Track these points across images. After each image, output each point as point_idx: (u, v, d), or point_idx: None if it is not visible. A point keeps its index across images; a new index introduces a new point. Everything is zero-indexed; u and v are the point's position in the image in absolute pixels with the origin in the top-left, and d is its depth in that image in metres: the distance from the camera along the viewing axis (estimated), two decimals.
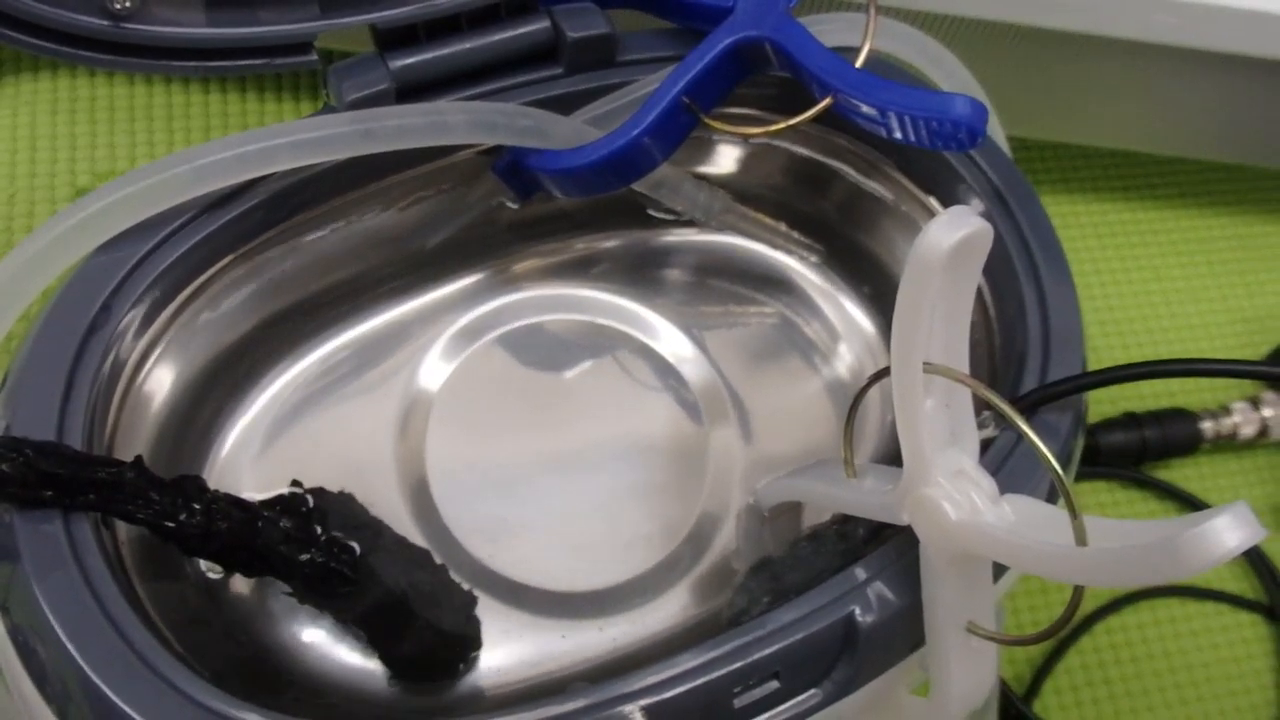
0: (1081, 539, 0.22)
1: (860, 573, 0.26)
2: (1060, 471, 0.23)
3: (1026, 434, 0.23)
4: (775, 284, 0.37)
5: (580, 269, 0.36)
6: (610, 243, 0.37)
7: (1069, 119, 0.44)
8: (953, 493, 0.24)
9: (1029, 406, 0.28)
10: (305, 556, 0.27)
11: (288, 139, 0.26)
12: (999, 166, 0.30)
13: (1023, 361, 0.28)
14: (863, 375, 0.35)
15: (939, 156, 0.30)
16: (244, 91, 0.44)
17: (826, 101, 0.29)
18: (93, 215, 0.25)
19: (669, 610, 0.32)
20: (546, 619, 0.32)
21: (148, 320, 0.27)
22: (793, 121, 0.29)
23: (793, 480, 0.30)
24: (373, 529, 0.30)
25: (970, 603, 0.25)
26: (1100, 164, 0.47)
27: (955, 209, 0.23)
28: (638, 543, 0.33)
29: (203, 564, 0.28)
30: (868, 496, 0.27)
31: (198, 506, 0.25)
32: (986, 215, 0.30)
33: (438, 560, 0.31)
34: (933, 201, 0.32)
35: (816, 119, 0.29)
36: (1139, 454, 0.41)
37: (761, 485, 0.31)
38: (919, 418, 0.24)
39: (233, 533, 0.26)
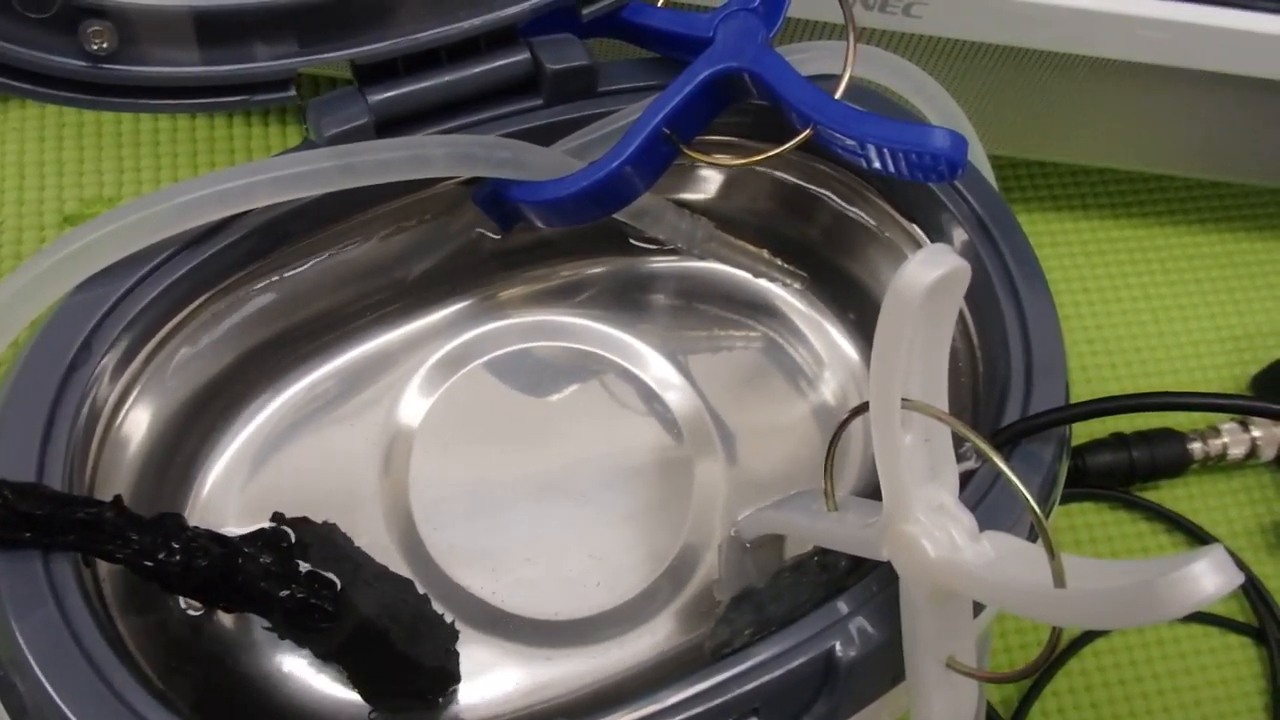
0: (1060, 580, 0.21)
1: (841, 607, 0.26)
2: (1038, 511, 0.23)
3: (1006, 475, 0.23)
4: (759, 310, 0.37)
5: (565, 296, 0.36)
6: (595, 269, 0.37)
7: (1055, 138, 0.44)
8: (932, 529, 0.24)
9: (1010, 439, 0.28)
10: (285, 592, 0.27)
11: (268, 175, 0.26)
12: (982, 195, 0.30)
13: (1005, 391, 0.28)
14: (847, 401, 0.35)
15: (922, 184, 0.31)
16: (231, 117, 0.44)
17: (806, 133, 0.29)
18: (73, 254, 0.25)
19: (652, 640, 0.32)
20: (529, 648, 0.32)
21: (128, 357, 0.27)
22: (771, 154, 0.29)
23: (774, 513, 0.30)
24: (354, 561, 0.30)
25: (950, 638, 0.25)
26: (1088, 182, 0.47)
27: (933, 247, 0.23)
28: (621, 571, 0.33)
29: (183, 601, 0.28)
30: (848, 531, 0.27)
31: (177, 545, 0.25)
32: (969, 245, 0.30)
33: (420, 590, 0.31)
34: (915, 229, 0.32)
35: (798, 147, 0.29)
36: (1127, 475, 0.41)
37: (743, 517, 0.31)
38: (898, 453, 0.24)
39: (213, 570, 0.26)
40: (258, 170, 0.26)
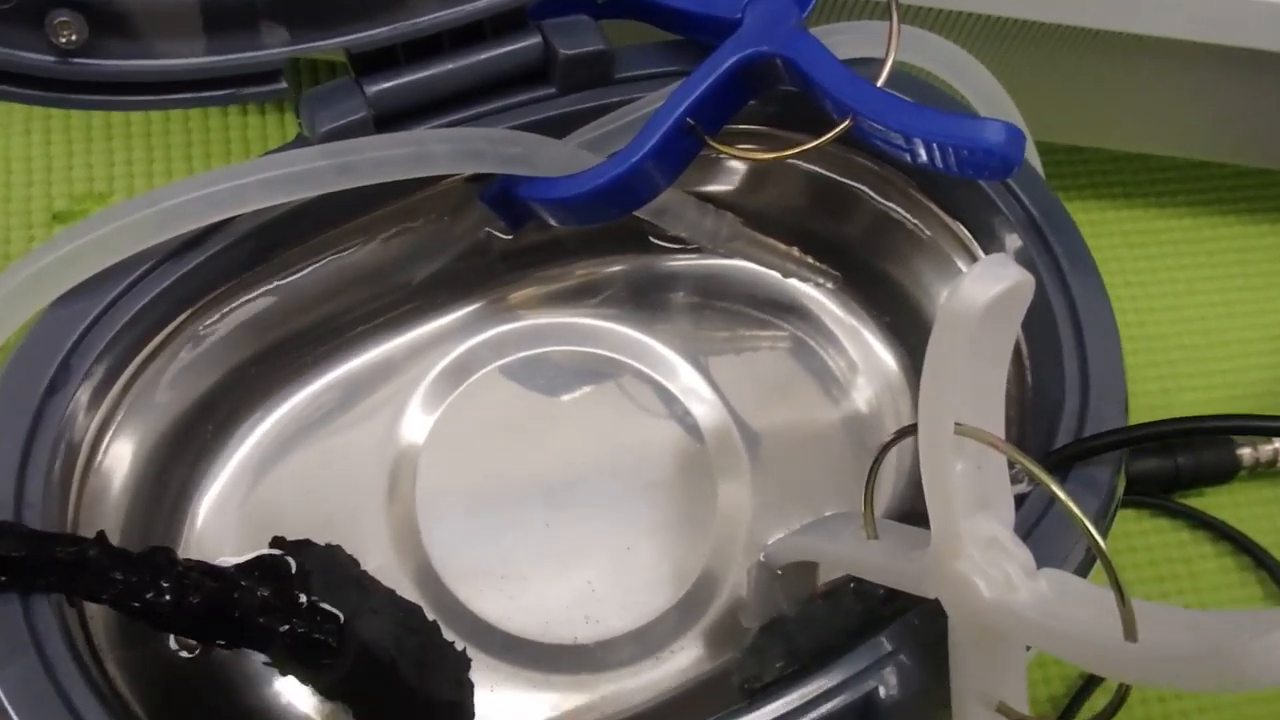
0: (1131, 631, 0.19)
1: (883, 644, 0.24)
2: (1102, 545, 0.21)
3: (1070, 509, 0.20)
4: (788, 311, 0.34)
5: (580, 297, 0.34)
6: (611, 269, 0.34)
7: (1095, 121, 0.41)
8: (985, 566, 0.22)
9: (1063, 461, 0.26)
10: (285, 627, 0.25)
11: (257, 178, 0.24)
12: (1035, 194, 0.28)
13: (1058, 410, 0.26)
14: (882, 412, 0.33)
15: (971, 181, 0.28)
16: (226, 106, 0.42)
17: (845, 124, 0.26)
18: (44, 270, 0.23)
19: (677, 666, 0.30)
20: (545, 674, 0.30)
21: (110, 378, 0.25)
22: (806, 148, 0.27)
23: (806, 539, 0.28)
24: (360, 587, 0.28)
25: (1001, 681, 0.23)
26: (1130, 169, 0.45)
27: (992, 259, 0.20)
28: (642, 592, 0.31)
29: (173, 641, 0.26)
30: (890, 564, 0.24)
31: (166, 582, 0.23)
32: (1022, 251, 0.27)
33: (429, 616, 0.29)
34: (961, 229, 0.30)
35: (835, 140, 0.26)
36: (1171, 481, 0.39)
37: (773, 543, 0.29)
38: (949, 483, 0.22)
39: (206, 606, 0.24)
40: (246, 172, 0.24)
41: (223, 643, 0.25)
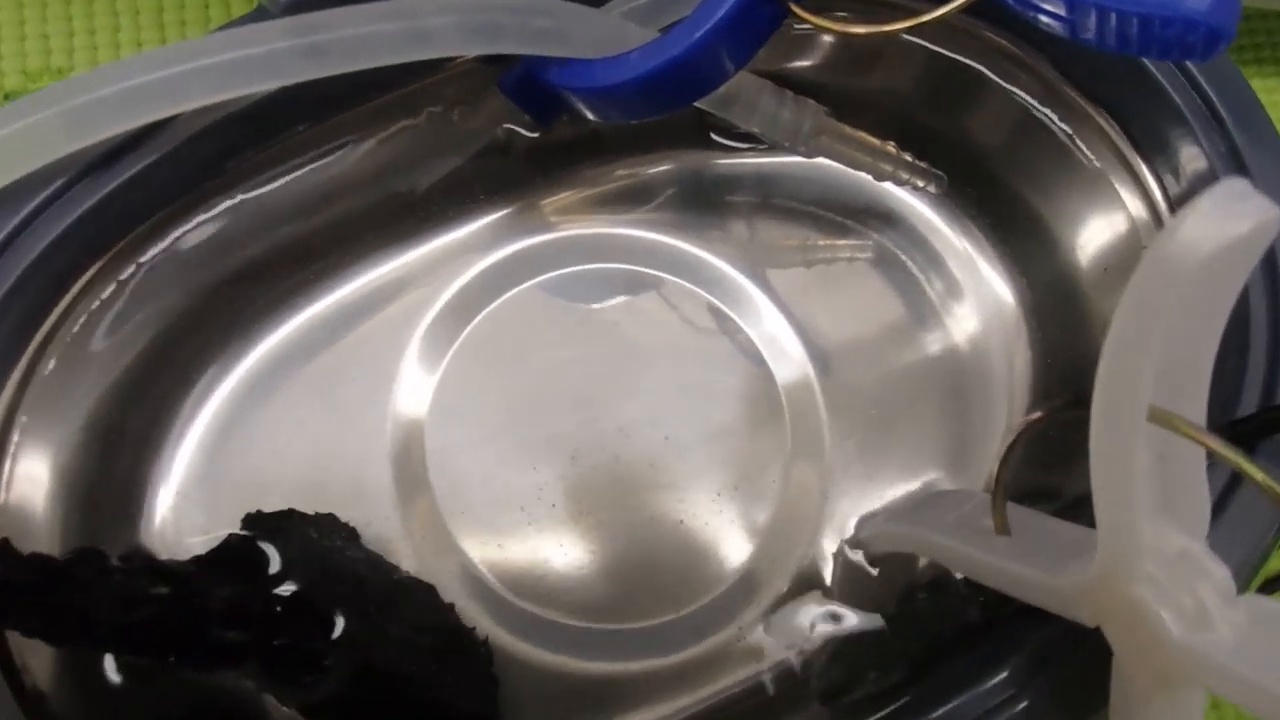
0: None
1: (1003, 683, 0.19)
2: None
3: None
4: (879, 221, 0.28)
5: (622, 204, 0.28)
6: (660, 167, 0.28)
7: None
8: (1173, 591, 0.17)
9: (1246, 434, 0.20)
10: (258, 636, 0.20)
11: (195, 64, 0.18)
12: (1226, 87, 0.21)
13: (1239, 372, 0.20)
14: (988, 350, 0.27)
15: (1135, 68, 0.21)
16: None
17: None
18: None
19: (738, 656, 0.25)
20: (580, 661, 0.25)
21: (16, 343, 0.19)
22: (925, 18, 0.20)
23: (907, 527, 0.22)
24: (358, 571, 0.23)
25: None
26: None
27: (1227, 186, 0.14)
28: (698, 567, 0.26)
29: (113, 670, 0.21)
30: (1027, 573, 0.19)
31: (100, 594, 0.18)
32: (1203, 174, 0.21)
33: (445, 598, 0.24)
34: (1114, 133, 0.23)
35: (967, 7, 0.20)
36: None
37: (864, 523, 0.23)
38: (1130, 483, 0.16)
39: (152, 618, 0.19)
40: (181, 58, 0.18)
41: (180, 663, 0.20)
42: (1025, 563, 0.19)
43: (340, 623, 0.21)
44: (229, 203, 0.22)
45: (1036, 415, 0.19)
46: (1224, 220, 0.14)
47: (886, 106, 0.26)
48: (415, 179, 0.25)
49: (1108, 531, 0.17)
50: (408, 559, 0.25)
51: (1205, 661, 0.16)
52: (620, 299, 0.28)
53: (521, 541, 0.26)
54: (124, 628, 0.18)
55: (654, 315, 0.28)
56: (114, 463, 0.22)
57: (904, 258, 0.28)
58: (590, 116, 0.23)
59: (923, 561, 0.23)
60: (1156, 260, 0.14)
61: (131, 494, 0.22)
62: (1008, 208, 0.27)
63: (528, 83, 0.23)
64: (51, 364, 0.20)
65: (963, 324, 0.27)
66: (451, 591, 0.25)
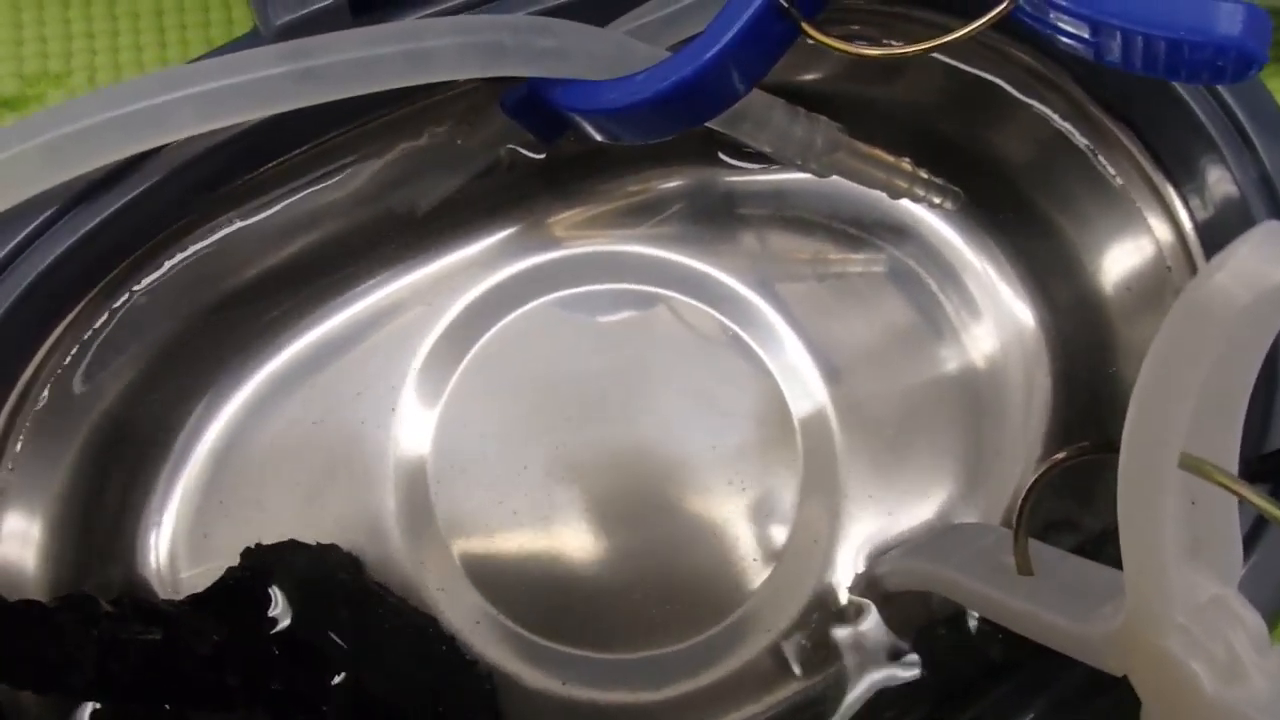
0: None
1: None
2: None
3: None
4: (894, 235, 0.27)
5: (629, 220, 0.27)
6: (670, 183, 0.27)
7: None
8: (1205, 642, 0.16)
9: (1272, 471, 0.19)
10: (252, 680, 0.20)
11: (184, 93, 0.17)
12: (1257, 110, 0.20)
13: (1270, 402, 0.19)
14: (1006, 369, 0.26)
15: (1162, 86, 0.21)
16: None
17: (1004, 7, 0.19)
18: None
19: (744, 693, 0.24)
20: (588, 690, 0.24)
21: (11, 370, 0.19)
22: (946, 39, 0.19)
23: (924, 563, 0.21)
24: (360, 604, 0.23)
25: None
26: None
27: (1262, 232, 0.13)
28: (708, 593, 0.25)
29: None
30: (1050, 618, 0.18)
31: (84, 644, 0.18)
32: (1234, 200, 0.20)
33: (446, 629, 0.24)
34: (1138, 152, 0.22)
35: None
36: None
37: (884, 560, 0.23)
38: (1160, 528, 0.16)
39: (139, 663, 0.18)
40: (170, 86, 0.17)
41: (169, 706, 0.19)
42: (1049, 607, 0.18)
43: (337, 659, 0.20)
44: (225, 230, 0.21)
45: (1061, 456, 0.18)
46: (1262, 266, 0.13)
47: (903, 119, 0.25)
48: (415, 198, 0.24)
49: (1136, 577, 0.16)
50: (411, 589, 0.24)
51: (1240, 718, 0.15)
52: (629, 317, 0.27)
53: (527, 569, 0.25)
54: (113, 674, 0.18)
55: (664, 334, 0.27)
56: (107, 496, 0.21)
57: (920, 272, 0.27)
58: (596, 137, 0.22)
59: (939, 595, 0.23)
60: (1191, 306, 0.14)
61: (125, 529, 0.22)
62: (1028, 224, 0.26)
63: (531, 102, 0.22)
64: (44, 397, 0.20)
65: (980, 344, 0.27)
66: (456, 621, 0.24)
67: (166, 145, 0.19)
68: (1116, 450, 0.16)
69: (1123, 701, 0.17)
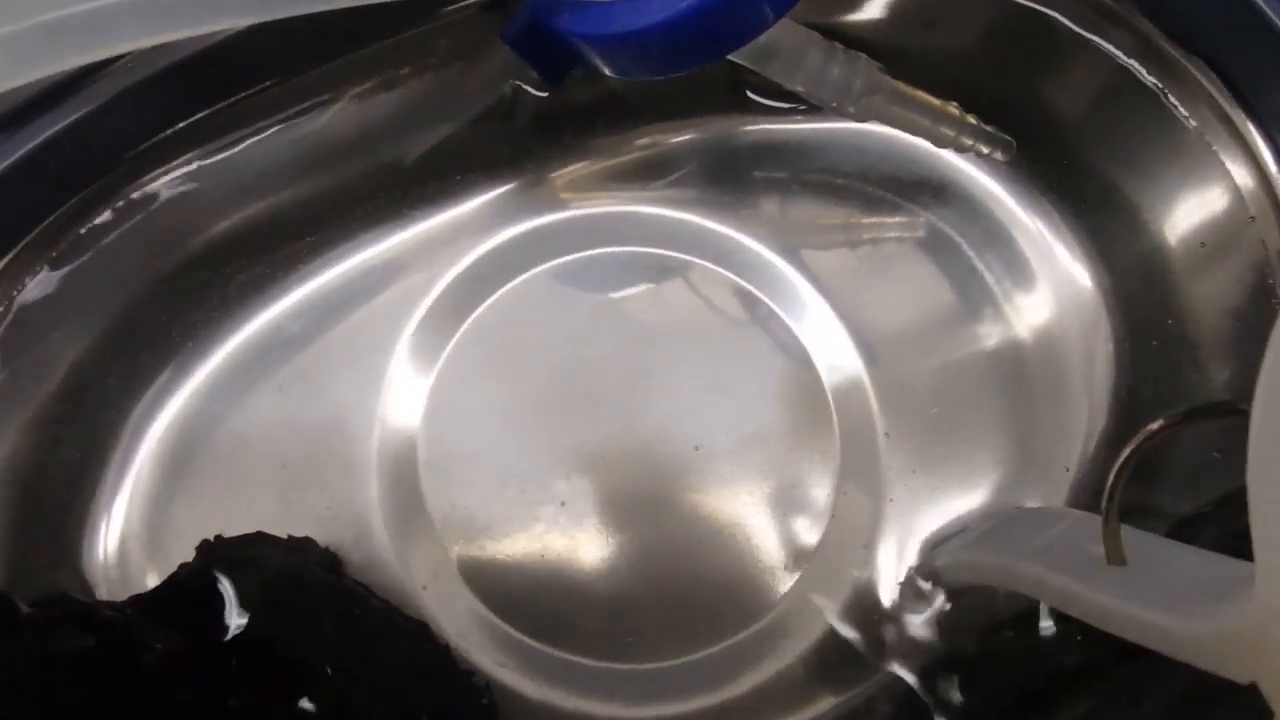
0: None
1: None
2: None
3: None
4: (932, 197, 0.25)
5: (643, 177, 0.25)
6: (686, 136, 0.25)
7: None
8: None
9: None
10: (207, 696, 0.17)
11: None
12: None
13: None
14: (1064, 337, 0.23)
15: (1242, 16, 0.18)
16: None
17: None
18: None
19: (776, 707, 0.22)
20: (598, 705, 0.22)
21: None
22: None
23: (998, 557, 0.18)
24: (339, 610, 0.20)
25: None
26: None
27: None
28: (733, 596, 0.23)
29: None
30: (1157, 617, 0.15)
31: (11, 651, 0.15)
32: None
33: (441, 636, 0.21)
34: (1214, 87, 0.20)
35: None
36: None
37: (943, 552, 0.20)
38: None
39: (81, 680, 0.15)
40: None
41: None
42: (1149, 602, 0.15)
43: (315, 676, 0.18)
44: (184, 170, 0.19)
45: (1156, 426, 0.15)
46: None
47: (948, 67, 0.22)
48: (404, 146, 0.22)
49: (1271, 565, 0.13)
50: (398, 590, 0.21)
51: None
52: (641, 287, 0.24)
53: (530, 569, 0.22)
54: (38, 692, 0.15)
55: (680, 305, 0.24)
56: (50, 484, 0.19)
57: (961, 239, 0.25)
58: (607, 72, 0.20)
59: (1004, 591, 0.20)
60: None
61: (70, 520, 0.19)
62: (1086, 179, 0.23)
63: (535, 33, 0.20)
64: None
65: (1033, 312, 0.24)
66: (449, 627, 0.21)
67: (111, 63, 0.16)
68: (1235, 413, 0.13)
69: (1247, 712, 0.14)
